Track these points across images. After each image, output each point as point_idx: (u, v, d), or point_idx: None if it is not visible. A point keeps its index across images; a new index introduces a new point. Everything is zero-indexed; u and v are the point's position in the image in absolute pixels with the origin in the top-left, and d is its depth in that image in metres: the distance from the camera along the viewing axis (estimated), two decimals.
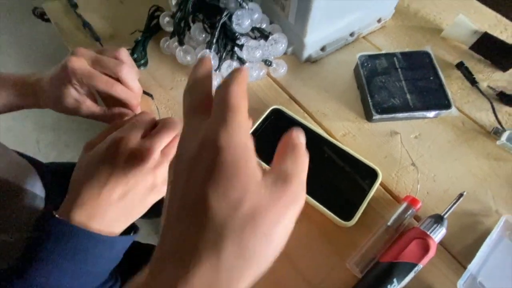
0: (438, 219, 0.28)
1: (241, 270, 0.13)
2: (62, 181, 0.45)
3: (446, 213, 0.29)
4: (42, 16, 0.50)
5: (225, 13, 0.33)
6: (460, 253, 0.29)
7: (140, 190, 0.26)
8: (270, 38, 0.36)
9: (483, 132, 0.36)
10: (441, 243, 0.30)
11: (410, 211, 0.30)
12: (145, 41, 0.41)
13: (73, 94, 0.30)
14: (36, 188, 0.36)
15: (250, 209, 0.14)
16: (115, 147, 0.25)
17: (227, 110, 0.15)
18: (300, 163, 0.16)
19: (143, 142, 0.26)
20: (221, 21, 0.34)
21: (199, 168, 0.14)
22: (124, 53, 0.32)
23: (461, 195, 0.30)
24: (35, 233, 0.25)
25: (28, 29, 1.37)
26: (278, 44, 0.36)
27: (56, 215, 0.24)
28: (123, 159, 0.25)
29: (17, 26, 1.40)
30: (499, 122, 0.35)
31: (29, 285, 0.23)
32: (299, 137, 0.17)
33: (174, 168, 0.16)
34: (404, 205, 0.30)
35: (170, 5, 0.39)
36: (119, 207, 0.25)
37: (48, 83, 0.31)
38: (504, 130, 0.34)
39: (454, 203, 0.30)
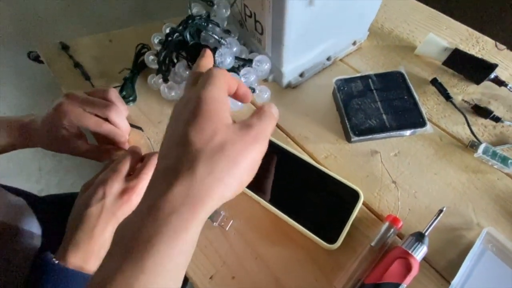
0: (419, 237, 0.29)
1: (211, 184, 0.18)
2: (58, 214, 0.47)
3: (426, 230, 0.30)
4: (36, 59, 0.52)
5: None
6: (444, 268, 0.30)
7: None
8: (254, 60, 0.38)
9: (460, 145, 0.37)
10: (425, 259, 0.30)
11: (392, 230, 0.30)
12: (133, 78, 0.43)
13: (65, 135, 0.32)
14: (33, 227, 0.38)
15: (219, 141, 0.18)
16: (102, 190, 0.27)
17: (207, 76, 0.21)
18: (263, 120, 0.21)
19: (128, 180, 0.28)
20: None
21: (185, 113, 0.19)
22: (112, 93, 0.35)
23: (441, 211, 0.31)
24: (33, 275, 0.26)
25: (24, 64, 1.42)
26: (263, 64, 0.38)
27: (53, 258, 0.25)
28: (111, 200, 0.27)
29: (14, 59, 1.45)
30: (475, 135, 0.36)
31: None
32: (271, 106, 0.22)
33: (171, 116, 0.21)
34: (386, 224, 0.31)
35: (153, 44, 0.41)
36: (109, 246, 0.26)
37: (41, 125, 0.33)
38: (480, 142, 0.36)
39: (435, 220, 0.31)
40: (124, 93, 0.41)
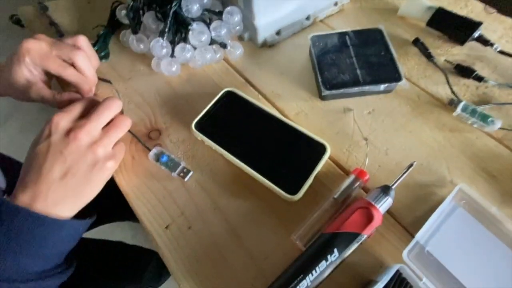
0: (385, 189, 0.27)
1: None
2: None
3: (394, 183, 0.28)
4: (18, 22, 0.52)
5: (174, 3, 0.34)
6: (411, 224, 0.28)
7: (81, 168, 0.26)
8: (224, 12, 0.36)
9: (439, 105, 0.35)
10: (391, 214, 0.29)
11: (358, 183, 0.29)
12: (106, 35, 0.42)
13: (26, 74, 0.31)
14: None
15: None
16: (48, 128, 0.26)
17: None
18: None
19: (77, 121, 0.27)
20: (172, 10, 0.34)
21: None
22: (82, 40, 0.33)
23: (411, 165, 0.29)
24: None
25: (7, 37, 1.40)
26: (234, 15, 0.36)
27: (4, 196, 0.25)
28: (58, 138, 0.26)
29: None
30: (454, 93, 0.34)
31: None
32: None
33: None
34: (352, 177, 0.29)
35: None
36: (61, 186, 0.25)
37: (4, 65, 0.32)
38: (460, 101, 0.34)
39: (403, 174, 0.29)
40: (96, 48, 0.40)
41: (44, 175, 0.25)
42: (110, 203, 0.51)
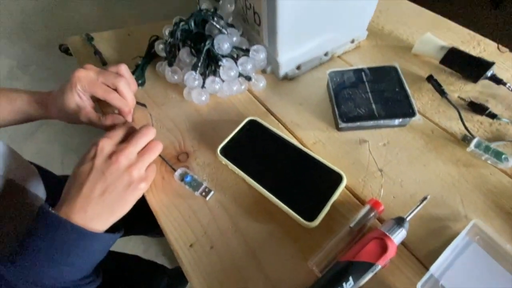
0: (399, 221, 0.29)
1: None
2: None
3: (408, 215, 0.30)
4: (66, 51, 0.59)
5: (208, 41, 0.39)
6: (425, 256, 0.29)
7: (118, 187, 0.29)
8: (251, 50, 0.40)
9: (453, 140, 0.36)
10: (406, 246, 0.30)
11: (373, 213, 0.30)
12: (144, 65, 0.47)
13: (76, 100, 0.36)
14: (39, 191, 0.41)
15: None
16: (94, 151, 0.30)
17: None
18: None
19: (119, 145, 0.30)
20: (205, 48, 0.39)
21: None
22: (123, 68, 0.38)
23: (425, 198, 0.31)
24: (31, 224, 0.29)
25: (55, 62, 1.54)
26: (259, 53, 0.40)
27: (49, 208, 0.28)
28: (101, 160, 0.29)
29: (47, 59, 1.59)
30: (467, 129, 0.36)
31: (20, 272, 0.26)
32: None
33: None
34: (367, 207, 0.31)
35: (164, 35, 0.45)
36: (99, 203, 0.29)
37: (57, 92, 0.37)
38: (473, 137, 0.35)
39: (418, 206, 0.30)
40: (134, 76, 0.45)
41: (85, 192, 0.28)
42: (129, 217, 0.55)
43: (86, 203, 0.28)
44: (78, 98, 0.36)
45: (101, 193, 0.29)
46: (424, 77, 0.42)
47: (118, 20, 1.69)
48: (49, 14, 1.74)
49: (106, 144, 0.30)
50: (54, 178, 0.54)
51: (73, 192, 0.29)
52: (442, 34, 0.48)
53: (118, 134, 0.32)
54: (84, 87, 0.35)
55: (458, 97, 0.40)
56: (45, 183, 0.45)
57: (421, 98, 0.41)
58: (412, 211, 0.30)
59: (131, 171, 0.30)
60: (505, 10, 1.54)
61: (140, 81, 0.46)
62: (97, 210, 0.29)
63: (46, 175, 0.47)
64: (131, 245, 1.07)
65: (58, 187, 0.48)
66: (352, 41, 0.46)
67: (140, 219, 0.57)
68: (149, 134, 0.32)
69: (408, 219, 0.29)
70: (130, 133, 0.33)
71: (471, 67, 0.40)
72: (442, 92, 0.39)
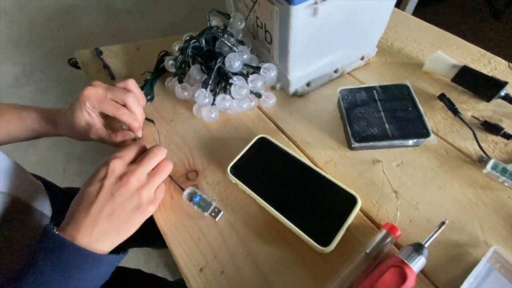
0: (417, 248, 0.28)
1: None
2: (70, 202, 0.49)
3: (426, 241, 0.29)
4: (75, 65, 0.59)
5: (219, 59, 0.39)
6: (445, 285, 0.28)
7: (126, 209, 0.29)
8: (262, 68, 0.40)
9: (468, 160, 0.36)
10: (425, 274, 0.29)
11: (389, 238, 0.29)
12: (153, 80, 0.47)
13: (86, 117, 0.35)
14: (44, 208, 0.40)
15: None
16: (104, 171, 0.29)
17: None
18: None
19: (129, 166, 0.30)
20: (216, 66, 0.39)
21: None
22: (131, 83, 0.38)
23: (443, 223, 0.30)
24: (35, 245, 0.28)
25: (61, 70, 1.56)
26: (270, 71, 0.40)
27: (54, 229, 0.27)
28: (111, 181, 0.28)
29: (52, 67, 1.60)
30: (483, 150, 0.35)
31: None
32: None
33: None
34: (383, 232, 0.30)
35: (174, 51, 0.45)
36: (106, 224, 0.28)
37: (66, 110, 0.37)
38: (489, 158, 0.34)
39: (436, 232, 0.29)
40: (143, 91, 0.45)
41: (92, 213, 0.28)
42: (135, 232, 0.54)
43: (93, 224, 0.27)
44: (88, 115, 0.35)
45: (109, 215, 0.28)
46: (436, 95, 0.42)
47: (124, 28, 1.72)
48: (56, 22, 1.76)
49: (118, 165, 0.30)
50: (59, 191, 0.53)
51: (80, 212, 0.28)
52: (452, 51, 0.48)
53: (129, 154, 0.32)
54: (93, 104, 0.35)
55: (472, 116, 0.39)
56: (50, 198, 0.44)
57: (434, 117, 0.40)
58: (431, 237, 0.29)
59: (141, 193, 0.29)
60: (506, 21, 1.56)
61: (149, 97, 0.45)
62: (103, 231, 0.28)
63: (51, 189, 0.47)
64: (132, 256, 1.06)
65: (63, 200, 0.47)
66: (362, 58, 0.46)
67: (145, 232, 0.56)
68: (159, 154, 0.32)
69: (426, 245, 0.28)
70: (141, 152, 0.33)
71: (484, 86, 0.40)
72: (455, 111, 0.39)
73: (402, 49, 0.49)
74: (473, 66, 0.43)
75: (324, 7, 0.32)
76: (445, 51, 0.45)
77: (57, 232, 0.27)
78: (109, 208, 0.28)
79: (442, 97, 0.41)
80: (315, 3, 0.31)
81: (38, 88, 1.56)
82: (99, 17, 1.79)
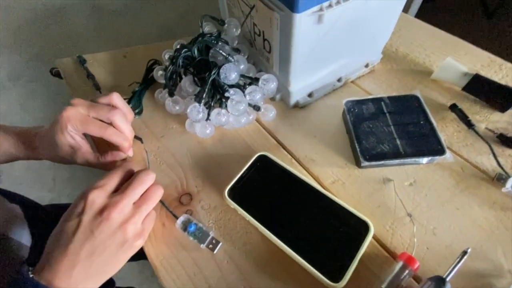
0: (439, 283, 0.25)
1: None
2: (53, 224, 0.45)
3: (448, 274, 0.26)
4: (58, 74, 0.54)
5: (213, 71, 0.35)
6: None
7: (109, 247, 0.25)
8: (260, 79, 0.37)
9: (485, 178, 0.33)
10: None
11: (407, 271, 0.26)
12: (141, 91, 0.44)
13: (69, 141, 0.32)
14: (23, 237, 0.36)
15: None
16: (82, 204, 0.25)
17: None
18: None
19: (111, 197, 0.26)
20: (211, 78, 0.35)
21: None
22: (115, 97, 0.34)
23: (465, 252, 0.27)
24: (8, 286, 0.24)
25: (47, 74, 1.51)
26: (270, 82, 0.37)
27: (29, 272, 0.24)
28: (89, 216, 0.25)
29: (38, 71, 1.54)
30: (501, 167, 0.32)
31: None
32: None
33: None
34: (400, 264, 0.27)
35: (163, 60, 0.42)
36: (87, 266, 0.24)
37: (46, 133, 0.33)
38: (508, 176, 0.32)
39: (458, 262, 0.26)
40: (131, 105, 0.41)
41: (70, 254, 0.24)
42: None
43: (71, 266, 0.24)
44: (71, 139, 0.31)
45: (89, 255, 0.24)
46: (447, 105, 0.39)
47: (114, 30, 1.66)
48: (43, 26, 1.70)
49: (97, 197, 0.26)
50: (41, 212, 0.49)
51: (57, 252, 0.24)
52: (460, 57, 0.45)
53: (111, 182, 0.28)
54: (75, 126, 0.31)
55: (486, 128, 0.37)
56: (30, 222, 0.40)
57: (446, 130, 0.37)
58: (452, 269, 0.26)
59: (126, 228, 0.26)
60: (498, 20, 1.55)
61: (137, 110, 0.42)
62: (84, 274, 0.24)
63: (30, 211, 0.43)
64: (126, 266, 1.02)
65: (45, 223, 0.43)
66: (367, 65, 0.43)
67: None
68: (146, 181, 0.28)
69: (448, 279, 0.25)
70: (127, 177, 0.29)
71: (498, 96, 0.37)
72: (469, 124, 0.36)
73: (407, 55, 0.47)
74: (483, 73, 0.40)
75: (329, 14, 0.29)
76: (453, 57, 0.43)
77: (31, 276, 0.23)
78: (89, 247, 0.24)
79: (453, 108, 0.38)
80: (320, 9, 0.28)
81: (25, 93, 1.50)
82: (88, 19, 1.73)
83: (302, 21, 0.28)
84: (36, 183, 1.30)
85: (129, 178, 0.29)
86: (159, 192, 0.29)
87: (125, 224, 0.26)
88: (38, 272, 0.24)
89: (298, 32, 0.29)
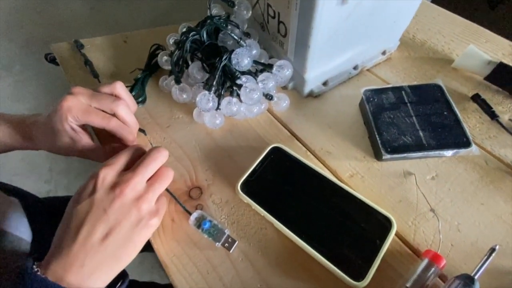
0: (467, 282, 0.24)
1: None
2: (52, 218, 0.43)
3: (476, 272, 0.25)
4: (53, 60, 0.51)
5: (224, 56, 0.32)
6: None
7: (124, 227, 0.23)
8: (275, 65, 0.34)
9: (510, 171, 0.32)
10: None
11: (433, 269, 0.25)
12: (144, 79, 0.41)
13: (69, 132, 0.29)
14: (22, 231, 0.34)
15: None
16: (92, 184, 0.23)
17: None
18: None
19: (123, 174, 0.24)
20: (222, 64, 0.33)
21: None
22: (119, 87, 0.32)
23: (493, 249, 0.26)
24: (12, 282, 0.22)
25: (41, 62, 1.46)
26: (284, 69, 0.34)
27: (34, 266, 0.22)
28: (102, 194, 0.23)
29: (32, 58, 1.49)
30: None
31: None
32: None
33: None
34: (425, 262, 0.26)
35: (168, 44, 0.39)
36: (100, 251, 0.22)
37: (44, 123, 0.31)
38: None
39: (486, 260, 0.25)
40: (133, 93, 0.39)
41: (82, 239, 0.22)
42: None
43: (84, 253, 0.22)
44: (71, 130, 0.29)
45: (103, 238, 0.23)
46: (468, 95, 0.37)
47: (109, 16, 1.60)
48: (35, 11, 1.63)
49: (108, 174, 0.24)
50: (40, 205, 0.47)
51: (67, 240, 0.22)
52: (481, 45, 0.43)
53: (122, 160, 0.26)
54: (76, 117, 0.28)
55: (510, 119, 0.35)
56: (29, 216, 0.38)
57: (468, 121, 0.36)
58: (480, 267, 0.25)
59: (140, 205, 0.24)
60: (502, 11, 1.52)
61: (140, 99, 0.39)
62: (97, 261, 0.22)
63: (28, 204, 0.40)
64: None
65: (45, 216, 0.41)
66: (383, 53, 0.41)
67: None
68: (160, 158, 0.26)
69: (477, 277, 0.24)
70: (137, 157, 0.27)
71: None
72: (492, 115, 0.35)
73: (425, 42, 0.44)
74: (505, 61, 0.38)
75: None
76: (474, 45, 0.41)
77: (37, 271, 0.21)
78: (103, 228, 0.23)
79: (476, 98, 0.36)
80: None
81: (19, 81, 1.45)
82: (82, 4, 1.66)
83: (326, 1, 0.25)
84: (32, 173, 1.27)
85: (139, 157, 0.27)
86: (170, 173, 0.27)
87: (139, 201, 0.24)
88: (44, 266, 0.22)
89: (321, 14, 0.27)
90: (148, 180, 0.26)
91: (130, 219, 0.24)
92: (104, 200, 0.23)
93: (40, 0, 1.67)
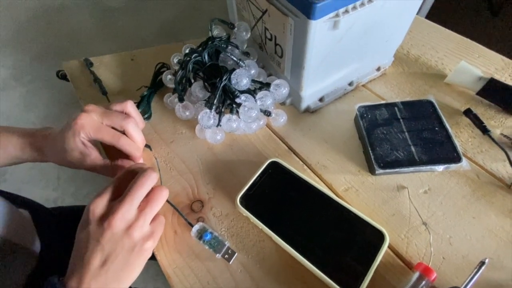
0: None
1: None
2: (60, 228, 0.45)
3: (466, 286, 0.25)
4: (64, 77, 0.54)
5: (224, 77, 0.34)
6: None
7: (119, 254, 0.25)
8: (272, 84, 0.36)
9: (501, 186, 0.33)
10: None
11: (424, 282, 0.26)
12: (150, 96, 0.43)
13: (80, 148, 0.31)
14: (33, 244, 0.36)
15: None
16: (86, 215, 0.25)
17: None
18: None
19: (110, 205, 0.26)
20: (222, 84, 0.35)
21: None
22: (130, 106, 0.34)
23: (482, 263, 0.26)
24: None
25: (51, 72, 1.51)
26: (281, 88, 0.36)
27: (57, 283, 0.24)
28: (93, 227, 0.25)
29: (42, 69, 1.54)
30: None
31: None
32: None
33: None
34: (417, 274, 0.27)
35: (172, 63, 0.41)
36: (102, 274, 0.24)
37: (56, 138, 0.33)
38: None
39: (475, 273, 0.26)
40: (140, 110, 0.41)
41: (86, 264, 0.24)
42: None
43: (89, 276, 0.24)
44: (82, 146, 0.31)
45: (102, 264, 0.24)
46: (460, 110, 0.39)
47: (117, 28, 1.65)
48: (45, 23, 1.69)
49: (97, 207, 0.25)
50: (49, 216, 0.49)
51: (76, 263, 0.25)
52: (473, 60, 0.44)
53: (110, 188, 0.27)
54: (88, 134, 0.31)
55: (501, 134, 0.36)
56: (38, 228, 0.40)
57: (460, 135, 0.37)
58: (470, 280, 0.26)
59: (131, 233, 0.25)
60: (504, 18, 1.53)
61: (146, 115, 0.41)
62: (102, 283, 0.24)
63: (38, 216, 0.42)
64: None
65: (53, 227, 0.43)
66: (378, 69, 0.42)
67: None
68: (147, 183, 0.27)
69: None
70: (130, 179, 0.28)
71: None
72: (484, 129, 0.36)
73: (419, 57, 0.46)
74: (497, 77, 0.40)
75: (345, 20, 0.28)
76: (466, 60, 0.42)
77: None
78: (100, 256, 0.24)
79: (468, 113, 0.37)
80: (336, 15, 0.27)
81: (29, 91, 1.50)
82: (90, 16, 1.72)
83: (318, 27, 0.27)
84: (40, 181, 1.30)
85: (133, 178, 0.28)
86: (164, 193, 0.28)
87: (130, 230, 0.25)
88: (66, 283, 0.24)
89: (313, 38, 0.28)
90: (141, 204, 0.26)
91: (123, 247, 0.25)
92: (96, 232, 0.25)
93: (50, 12, 1.74)
